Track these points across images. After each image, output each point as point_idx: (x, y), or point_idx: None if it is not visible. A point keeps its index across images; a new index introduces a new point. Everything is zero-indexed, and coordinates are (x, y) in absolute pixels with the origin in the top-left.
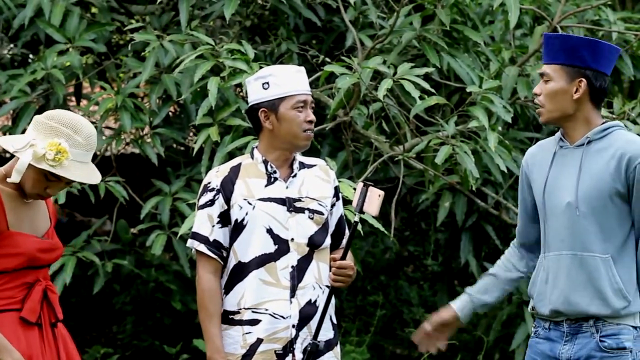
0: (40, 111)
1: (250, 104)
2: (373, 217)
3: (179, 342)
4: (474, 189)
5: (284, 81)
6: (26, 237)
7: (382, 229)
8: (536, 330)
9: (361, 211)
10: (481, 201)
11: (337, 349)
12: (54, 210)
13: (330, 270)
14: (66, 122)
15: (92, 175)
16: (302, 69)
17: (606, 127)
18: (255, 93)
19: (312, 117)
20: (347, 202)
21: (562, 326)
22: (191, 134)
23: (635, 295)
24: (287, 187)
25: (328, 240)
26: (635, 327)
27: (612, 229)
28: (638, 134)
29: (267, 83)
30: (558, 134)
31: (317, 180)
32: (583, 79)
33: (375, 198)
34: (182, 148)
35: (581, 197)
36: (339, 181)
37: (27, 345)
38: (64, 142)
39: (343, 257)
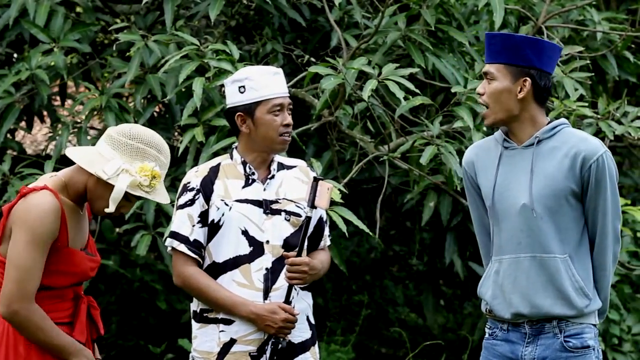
0: (24, 111)
1: (227, 107)
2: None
3: (164, 342)
4: (458, 188)
5: (260, 85)
6: (82, 256)
7: (367, 230)
8: (492, 331)
9: (313, 206)
10: (466, 201)
11: (315, 348)
12: (90, 216)
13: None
14: (149, 142)
15: (166, 193)
16: (280, 70)
17: (554, 126)
18: (232, 96)
19: (289, 120)
20: (331, 203)
21: (523, 328)
22: (176, 134)
23: (594, 293)
24: (264, 189)
25: (304, 242)
26: (594, 325)
27: (568, 229)
28: (622, 135)
29: (244, 87)
30: (498, 134)
31: (295, 181)
32: (527, 78)
33: (325, 192)
34: None
35: (536, 198)
36: None
37: None
38: (155, 165)
39: (298, 254)
